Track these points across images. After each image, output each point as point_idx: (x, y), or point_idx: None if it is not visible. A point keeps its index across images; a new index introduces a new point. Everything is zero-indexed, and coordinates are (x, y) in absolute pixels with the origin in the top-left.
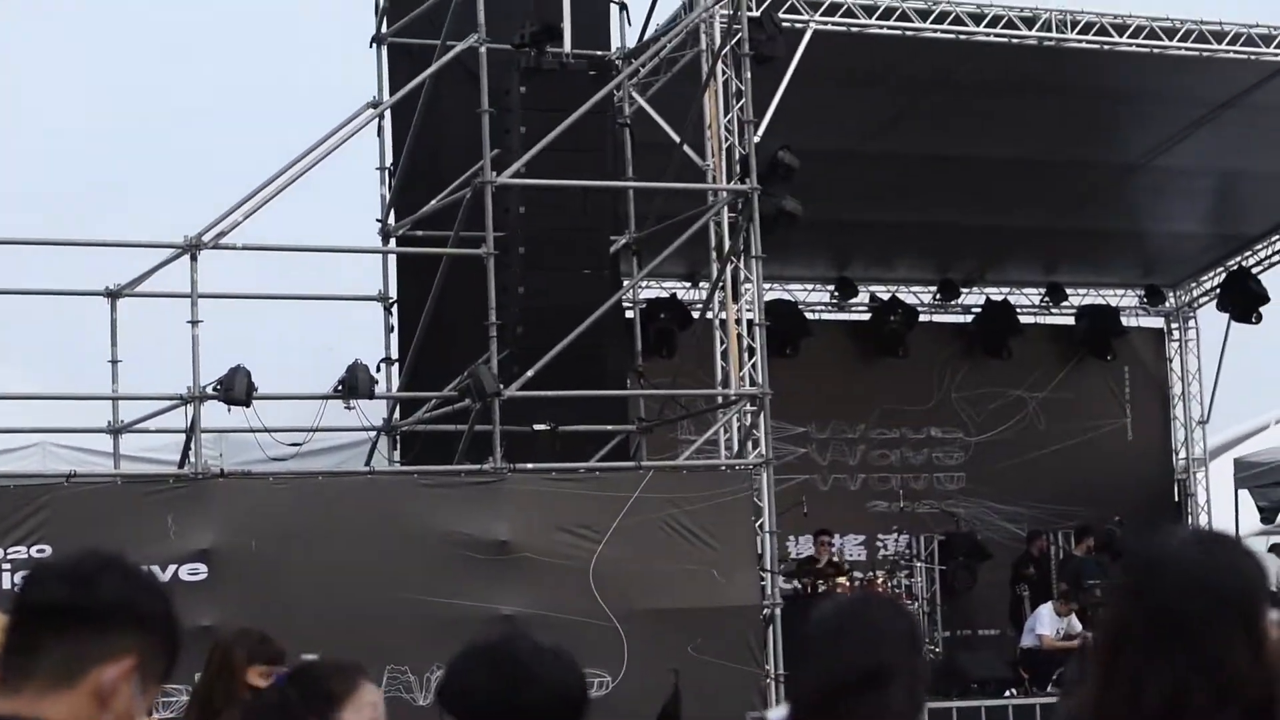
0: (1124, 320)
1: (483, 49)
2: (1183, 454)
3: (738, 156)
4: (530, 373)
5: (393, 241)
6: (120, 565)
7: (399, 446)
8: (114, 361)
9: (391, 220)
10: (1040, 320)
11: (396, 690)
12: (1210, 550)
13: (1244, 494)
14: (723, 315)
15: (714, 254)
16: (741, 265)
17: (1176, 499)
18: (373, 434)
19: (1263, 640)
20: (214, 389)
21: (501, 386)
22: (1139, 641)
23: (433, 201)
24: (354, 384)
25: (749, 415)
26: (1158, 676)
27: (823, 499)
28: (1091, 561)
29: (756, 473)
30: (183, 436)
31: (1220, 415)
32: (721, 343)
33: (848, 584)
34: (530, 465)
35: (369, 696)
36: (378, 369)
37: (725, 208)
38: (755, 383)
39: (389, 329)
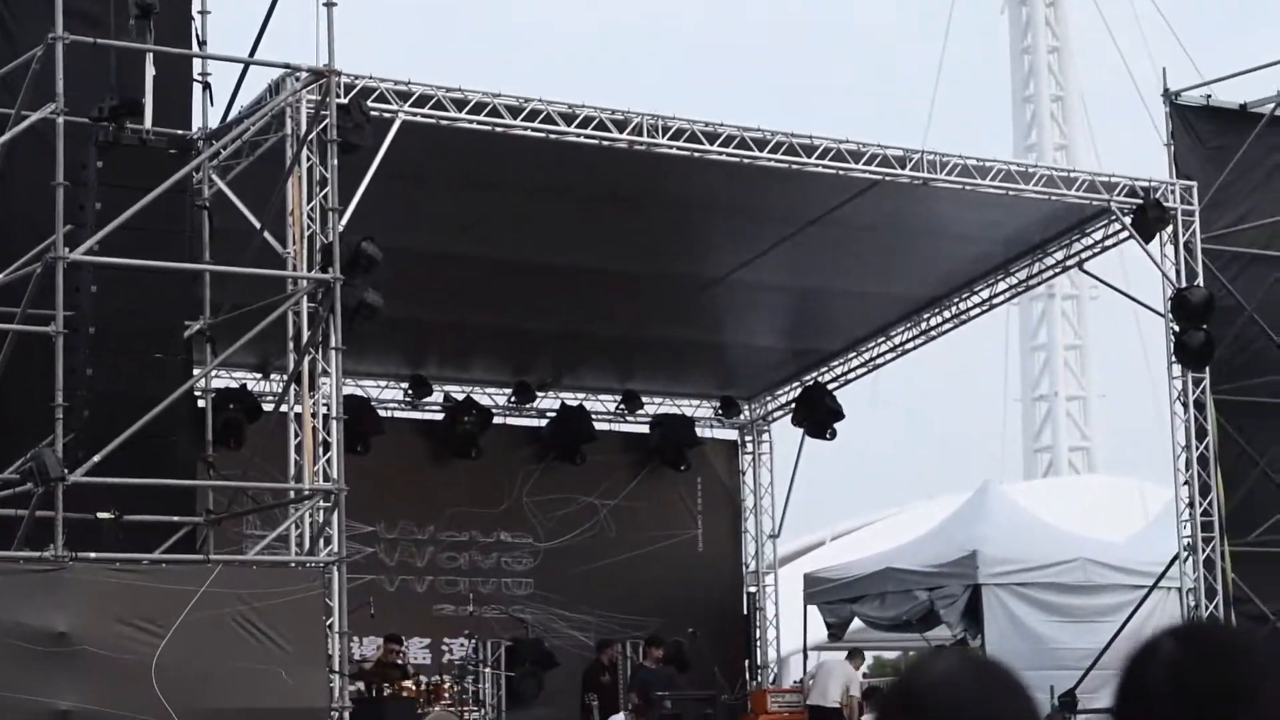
0: (699, 431)
1: (60, 120)
2: (753, 566)
3: (319, 245)
4: (96, 458)
5: None
6: None
7: None
8: None
9: None
10: (615, 428)
11: None
12: (986, 680)
13: (813, 609)
14: (298, 408)
15: (291, 344)
16: (320, 357)
17: (746, 612)
18: None
19: None
20: None
21: (66, 471)
22: None
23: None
24: None
25: (322, 512)
26: None
27: (390, 600)
28: (659, 672)
29: (329, 571)
30: None
31: (787, 526)
32: (296, 436)
33: (414, 688)
34: (93, 555)
35: None
36: None
37: (305, 297)
38: (330, 478)
39: None
